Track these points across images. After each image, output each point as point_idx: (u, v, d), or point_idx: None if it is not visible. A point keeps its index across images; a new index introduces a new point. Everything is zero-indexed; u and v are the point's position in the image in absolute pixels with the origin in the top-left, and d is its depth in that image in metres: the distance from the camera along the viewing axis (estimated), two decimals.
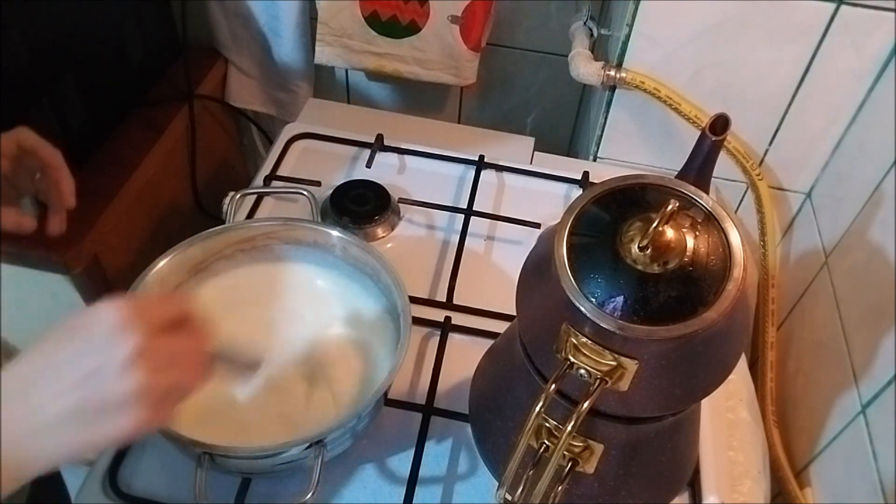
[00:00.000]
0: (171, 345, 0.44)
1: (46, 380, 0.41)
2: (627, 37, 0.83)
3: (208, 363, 0.48)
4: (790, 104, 0.85)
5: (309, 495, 0.54)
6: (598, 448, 0.51)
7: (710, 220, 0.46)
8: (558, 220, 0.48)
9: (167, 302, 0.46)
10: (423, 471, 0.64)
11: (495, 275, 0.83)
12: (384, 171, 0.92)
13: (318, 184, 0.87)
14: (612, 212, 0.47)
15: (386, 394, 0.62)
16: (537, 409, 0.47)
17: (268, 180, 0.89)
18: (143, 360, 0.42)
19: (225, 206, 0.76)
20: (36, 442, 0.41)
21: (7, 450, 0.40)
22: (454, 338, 0.75)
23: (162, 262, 0.65)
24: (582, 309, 0.44)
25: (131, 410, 0.42)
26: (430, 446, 0.67)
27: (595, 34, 0.98)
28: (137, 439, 0.43)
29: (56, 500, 0.76)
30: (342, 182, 0.88)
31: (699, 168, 0.63)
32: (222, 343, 0.50)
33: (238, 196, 0.76)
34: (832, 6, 0.76)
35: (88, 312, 0.43)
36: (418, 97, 1.21)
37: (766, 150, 0.90)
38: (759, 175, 0.91)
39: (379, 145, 0.94)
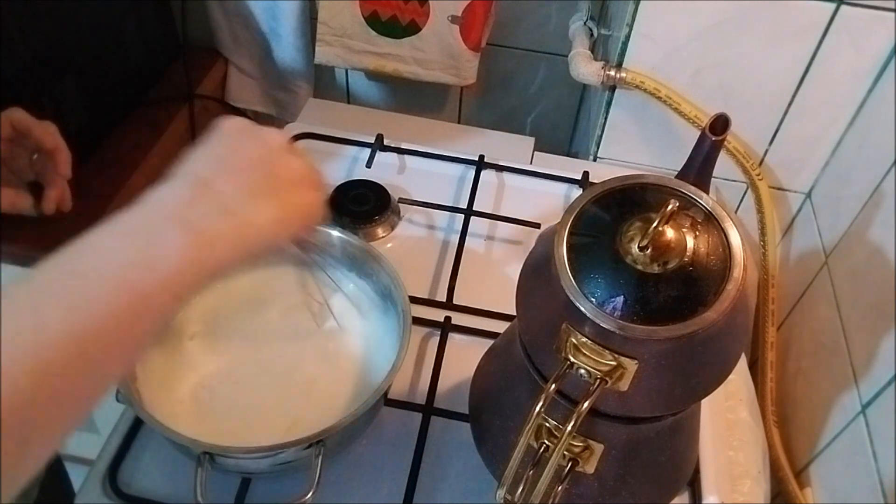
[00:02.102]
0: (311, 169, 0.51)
1: (222, 170, 0.45)
2: (627, 37, 0.83)
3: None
4: (790, 104, 0.85)
5: (309, 495, 0.54)
6: (598, 448, 0.51)
7: (710, 220, 0.46)
8: (558, 220, 0.48)
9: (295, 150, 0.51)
10: (423, 471, 0.64)
11: (495, 275, 0.83)
12: (384, 171, 0.92)
13: None
14: (612, 212, 0.47)
15: (386, 394, 0.62)
16: (537, 409, 0.47)
17: None
18: (311, 175, 0.49)
19: None
20: (241, 222, 0.44)
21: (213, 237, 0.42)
22: (454, 338, 0.75)
23: None
24: (582, 309, 0.44)
25: (303, 185, 0.49)
26: (430, 446, 0.66)
27: (595, 34, 0.98)
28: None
29: (62, 499, 0.76)
30: (342, 182, 0.88)
31: (699, 168, 0.63)
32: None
33: None
34: (832, 6, 0.76)
35: (226, 123, 0.48)
36: (418, 97, 1.21)
37: (766, 150, 0.90)
38: (759, 175, 0.91)
39: (379, 145, 0.94)
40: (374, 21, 1.04)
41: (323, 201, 0.52)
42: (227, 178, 0.45)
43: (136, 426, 0.66)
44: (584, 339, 0.45)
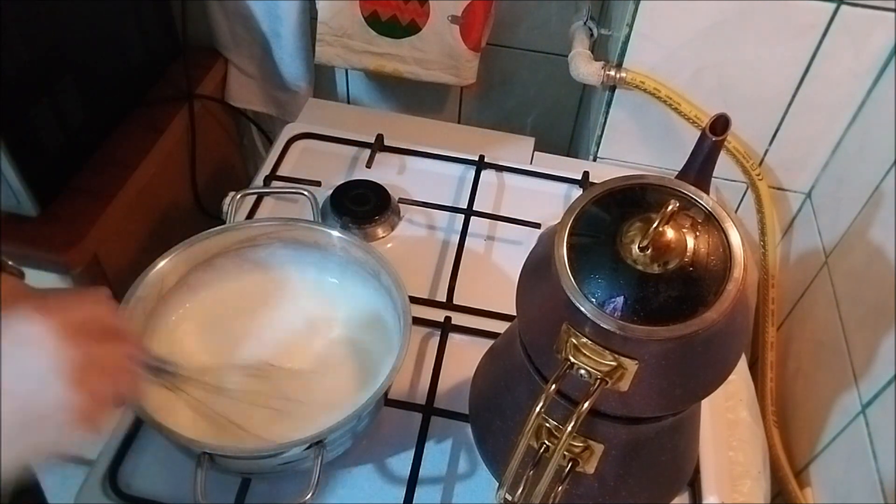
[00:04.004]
0: (106, 354, 0.44)
1: None
2: (627, 37, 0.83)
3: (140, 371, 0.48)
4: (790, 104, 0.85)
5: (309, 495, 0.54)
6: (598, 448, 0.51)
7: (710, 220, 0.46)
8: (558, 220, 0.48)
9: (96, 310, 0.46)
10: (423, 471, 0.64)
11: (495, 275, 0.83)
12: (384, 171, 0.92)
13: (318, 184, 0.87)
14: (612, 212, 0.47)
15: (386, 394, 0.62)
16: (537, 409, 0.47)
17: (268, 180, 0.89)
18: (83, 374, 0.42)
19: (225, 206, 0.76)
20: None
21: None
22: (454, 338, 0.75)
23: (162, 262, 0.65)
24: (582, 309, 0.44)
25: (70, 424, 0.42)
26: (430, 446, 0.66)
27: (595, 34, 0.98)
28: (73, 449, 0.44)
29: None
30: (342, 182, 0.88)
31: (699, 168, 0.63)
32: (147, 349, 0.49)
33: (238, 196, 0.76)
34: (832, 6, 0.76)
35: (19, 325, 0.42)
36: (418, 97, 1.21)
37: (766, 150, 0.90)
38: (759, 175, 0.91)
39: (379, 145, 0.94)
40: (374, 21, 1.04)
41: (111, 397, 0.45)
42: None
43: (137, 426, 0.66)
44: (585, 340, 0.45)
